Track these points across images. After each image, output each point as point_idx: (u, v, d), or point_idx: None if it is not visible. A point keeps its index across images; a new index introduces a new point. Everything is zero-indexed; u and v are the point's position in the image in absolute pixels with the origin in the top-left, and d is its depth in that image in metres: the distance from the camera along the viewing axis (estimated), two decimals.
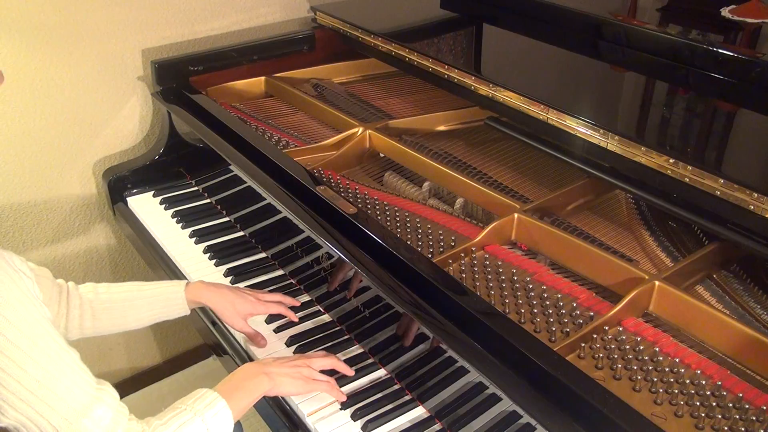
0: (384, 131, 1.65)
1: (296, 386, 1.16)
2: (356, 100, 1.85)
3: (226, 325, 1.38)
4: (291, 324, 1.37)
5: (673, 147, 1.25)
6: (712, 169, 1.13)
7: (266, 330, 1.36)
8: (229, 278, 1.51)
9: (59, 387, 0.87)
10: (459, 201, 1.49)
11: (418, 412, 1.18)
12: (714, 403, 1.02)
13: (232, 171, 1.64)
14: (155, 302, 1.30)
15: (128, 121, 1.93)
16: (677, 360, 1.09)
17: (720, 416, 1.01)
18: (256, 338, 1.32)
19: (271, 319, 1.38)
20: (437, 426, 1.15)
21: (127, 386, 2.20)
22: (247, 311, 1.32)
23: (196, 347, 2.35)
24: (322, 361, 1.21)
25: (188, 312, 1.33)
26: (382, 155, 1.65)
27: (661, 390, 1.05)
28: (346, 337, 1.34)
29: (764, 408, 0.99)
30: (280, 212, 1.47)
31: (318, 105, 1.79)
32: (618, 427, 0.90)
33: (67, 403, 0.87)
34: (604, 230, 1.37)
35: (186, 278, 1.54)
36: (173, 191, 1.82)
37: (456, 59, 1.66)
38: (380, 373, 1.26)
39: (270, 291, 1.43)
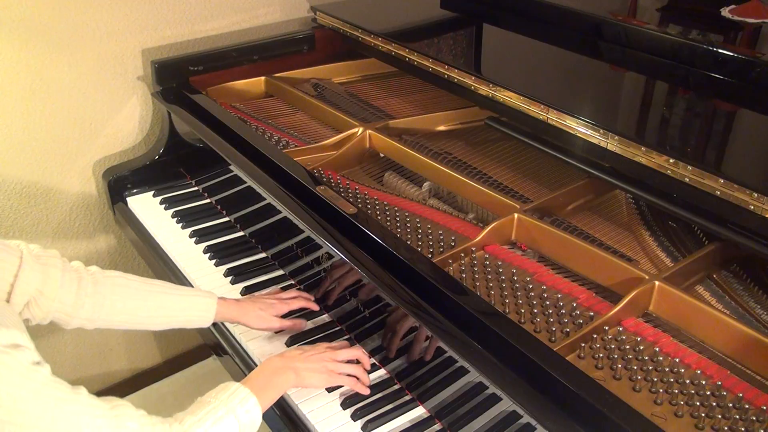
0: (384, 131, 1.65)
1: (321, 380, 1.17)
2: (356, 100, 1.85)
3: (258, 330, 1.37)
4: None
5: (673, 147, 1.25)
6: (712, 169, 1.13)
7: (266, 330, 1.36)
8: (229, 278, 1.51)
9: None
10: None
11: (418, 412, 1.18)
12: (714, 403, 1.02)
13: (232, 171, 1.64)
14: (184, 303, 1.27)
15: (128, 121, 1.93)
16: (677, 360, 1.09)
17: (720, 416, 1.01)
18: (295, 327, 1.34)
19: None
20: (437, 426, 1.15)
21: (127, 386, 2.19)
22: (272, 314, 1.34)
23: (196, 347, 2.34)
24: (347, 352, 1.22)
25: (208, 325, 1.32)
26: (382, 155, 1.65)
27: (661, 390, 1.05)
28: (346, 337, 1.34)
29: (764, 408, 0.99)
30: (280, 212, 1.47)
31: (318, 105, 1.79)
32: (618, 427, 0.90)
33: None
34: (604, 230, 1.37)
35: (186, 278, 1.54)
36: (173, 191, 1.83)
37: (456, 59, 1.66)
38: (380, 373, 1.26)
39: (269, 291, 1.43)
